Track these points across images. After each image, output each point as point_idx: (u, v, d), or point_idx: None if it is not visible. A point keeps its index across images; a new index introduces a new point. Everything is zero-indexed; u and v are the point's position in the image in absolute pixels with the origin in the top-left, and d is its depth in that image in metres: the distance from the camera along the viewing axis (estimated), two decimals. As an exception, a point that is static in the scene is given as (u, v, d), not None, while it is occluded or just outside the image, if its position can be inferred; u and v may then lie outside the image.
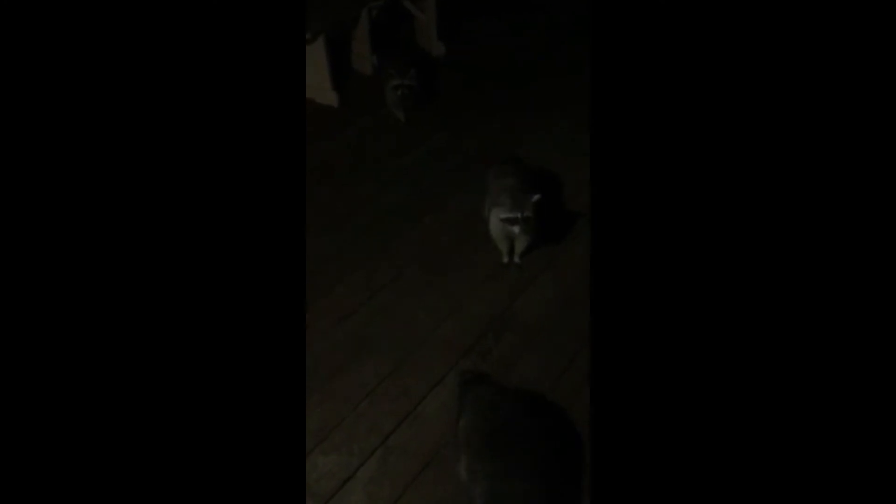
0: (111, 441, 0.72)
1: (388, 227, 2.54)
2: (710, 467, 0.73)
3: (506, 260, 2.34)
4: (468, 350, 2.02)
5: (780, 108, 0.72)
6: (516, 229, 2.17)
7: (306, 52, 2.92)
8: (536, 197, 2.15)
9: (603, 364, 0.83)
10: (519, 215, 2.14)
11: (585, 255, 2.31)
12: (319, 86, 3.11)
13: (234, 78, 0.78)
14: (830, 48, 0.70)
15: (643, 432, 0.77)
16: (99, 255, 0.73)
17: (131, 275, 0.74)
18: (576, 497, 1.58)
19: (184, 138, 0.76)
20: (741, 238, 0.74)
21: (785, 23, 0.71)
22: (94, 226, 0.73)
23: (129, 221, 0.74)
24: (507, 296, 2.24)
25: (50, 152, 0.72)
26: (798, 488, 0.69)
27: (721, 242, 0.75)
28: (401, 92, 2.94)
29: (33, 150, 0.71)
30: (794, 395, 0.71)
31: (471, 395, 1.71)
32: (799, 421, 0.70)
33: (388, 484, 1.64)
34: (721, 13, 0.73)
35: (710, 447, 0.74)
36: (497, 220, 2.21)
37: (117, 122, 0.74)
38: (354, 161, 2.88)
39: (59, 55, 0.71)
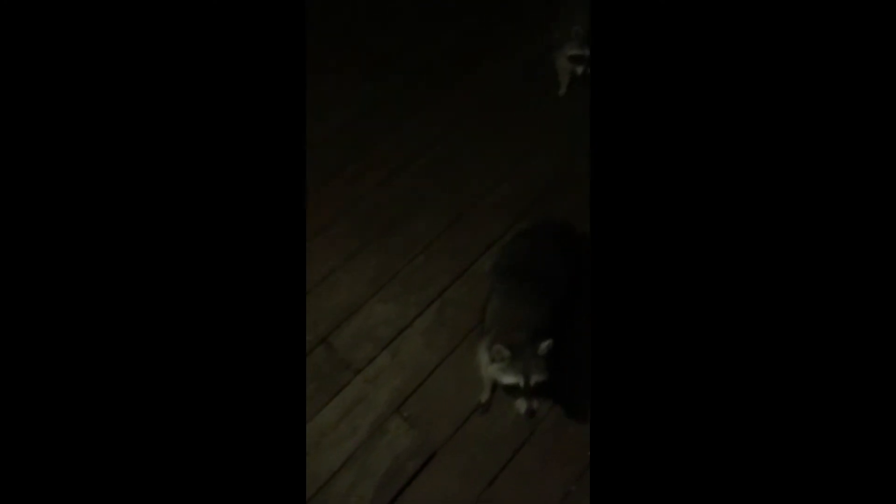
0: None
1: (444, 70, 2.31)
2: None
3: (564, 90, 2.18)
4: (526, 212, 1.92)
5: (781, 111, 0.71)
6: (580, 69, 2.03)
7: None
8: None
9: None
10: (587, 52, 1.96)
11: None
12: None
13: None
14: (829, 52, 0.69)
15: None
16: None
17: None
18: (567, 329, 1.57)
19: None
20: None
21: (784, 29, 0.71)
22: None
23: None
24: (572, 152, 2.07)
25: (49, 153, 0.70)
26: (796, 483, 0.67)
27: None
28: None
29: (31, 151, 0.69)
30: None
31: (517, 234, 1.74)
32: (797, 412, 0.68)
33: (445, 333, 1.65)
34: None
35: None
36: (563, 57, 2.04)
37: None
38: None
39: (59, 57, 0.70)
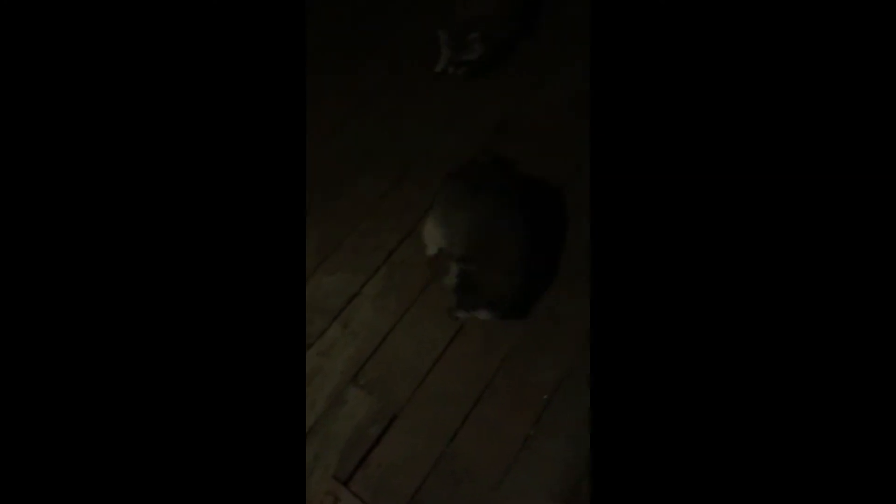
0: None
1: (379, 17, 2.18)
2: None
3: None
4: (472, 161, 1.86)
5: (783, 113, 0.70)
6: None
7: None
8: None
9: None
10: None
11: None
12: None
13: None
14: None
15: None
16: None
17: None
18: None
19: None
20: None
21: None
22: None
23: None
24: (513, 99, 1.99)
25: (49, 152, 0.70)
26: (796, 484, 0.67)
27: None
28: None
29: (31, 151, 0.69)
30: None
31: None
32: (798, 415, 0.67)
33: (394, 297, 1.63)
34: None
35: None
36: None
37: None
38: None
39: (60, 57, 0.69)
